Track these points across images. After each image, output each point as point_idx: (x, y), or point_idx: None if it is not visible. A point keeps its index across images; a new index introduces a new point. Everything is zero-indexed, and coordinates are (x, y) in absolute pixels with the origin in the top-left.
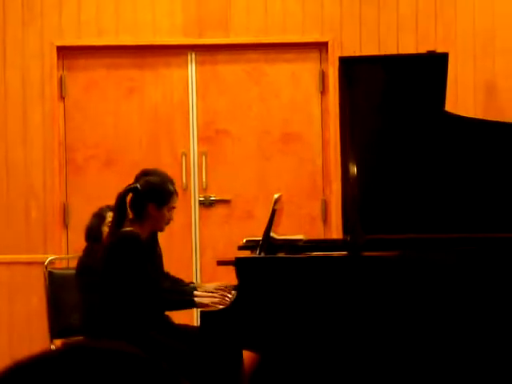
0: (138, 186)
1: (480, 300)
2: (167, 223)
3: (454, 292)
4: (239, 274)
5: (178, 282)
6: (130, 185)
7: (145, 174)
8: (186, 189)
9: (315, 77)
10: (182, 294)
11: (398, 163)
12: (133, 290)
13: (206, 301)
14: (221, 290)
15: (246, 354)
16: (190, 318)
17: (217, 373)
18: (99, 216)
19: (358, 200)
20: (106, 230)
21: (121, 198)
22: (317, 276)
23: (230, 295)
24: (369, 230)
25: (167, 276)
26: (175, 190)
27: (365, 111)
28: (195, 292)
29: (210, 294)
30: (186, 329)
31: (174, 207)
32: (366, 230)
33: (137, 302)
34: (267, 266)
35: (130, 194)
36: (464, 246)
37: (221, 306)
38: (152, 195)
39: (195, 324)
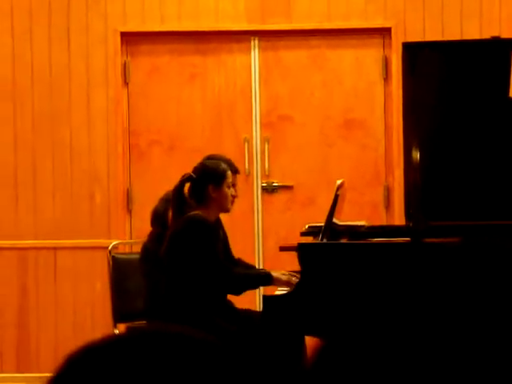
0: (192, 174)
1: None
2: (232, 201)
3: None
4: (302, 260)
5: (247, 267)
6: (184, 175)
7: (203, 160)
8: (248, 175)
9: (378, 63)
10: (258, 271)
11: (461, 150)
12: (202, 273)
13: (284, 277)
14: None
15: (309, 340)
16: (253, 303)
17: (279, 358)
18: (165, 200)
19: (421, 186)
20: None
21: (177, 189)
22: (378, 262)
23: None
24: (431, 217)
25: (238, 262)
26: (230, 167)
27: (428, 97)
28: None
29: (287, 274)
30: (248, 313)
31: (234, 184)
32: (429, 217)
33: (206, 284)
34: (329, 252)
35: (188, 183)
36: None
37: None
38: (208, 177)
39: (257, 309)
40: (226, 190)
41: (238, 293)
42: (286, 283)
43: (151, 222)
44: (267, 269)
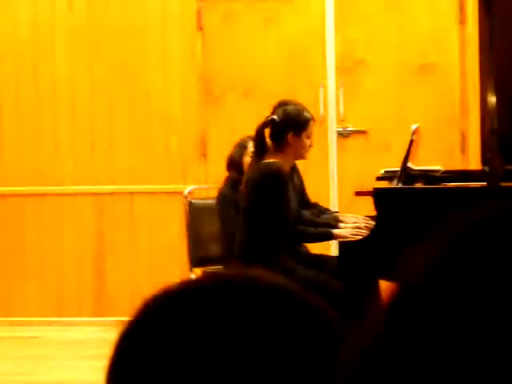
0: (275, 117)
1: None
2: (307, 151)
3: None
4: (378, 205)
5: (323, 211)
6: (267, 117)
7: (280, 104)
8: (322, 120)
9: (454, 6)
10: (321, 226)
11: None
12: (274, 222)
13: (344, 233)
14: (359, 222)
15: (385, 284)
16: (327, 248)
17: (355, 302)
18: (241, 146)
19: (497, 131)
20: (247, 160)
21: (259, 130)
22: (455, 207)
23: (368, 226)
24: (508, 161)
25: (313, 205)
26: (312, 116)
27: (505, 39)
28: (334, 223)
29: (349, 225)
30: (323, 258)
31: (312, 134)
32: (506, 161)
33: (278, 233)
34: (405, 197)
35: (269, 126)
36: None
37: (359, 237)
38: (289, 124)
39: (331, 253)
40: (305, 139)
41: (304, 243)
42: (349, 237)
43: (227, 167)
44: (342, 213)
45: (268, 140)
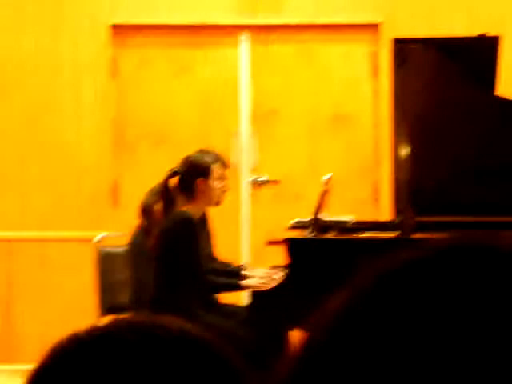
0: (177, 169)
1: None
2: (220, 196)
3: None
4: (289, 255)
5: (226, 265)
6: (170, 170)
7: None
8: (235, 169)
9: (367, 58)
10: (230, 276)
11: (449, 145)
12: (185, 270)
13: (251, 283)
14: (269, 273)
15: (294, 334)
16: (237, 297)
17: (264, 352)
18: (153, 193)
19: (409, 181)
20: (158, 207)
21: (163, 184)
22: (366, 258)
23: (277, 276)
24: (419, 212)
25: (216, 259)
26: (217, 159)
27: (417, 93)
28: (243, 273)
29: (257, 276)
30: (233, 308)
31: (223, 178)
32: (417, 212)
33: (189, 281)
34: (317, 247)
35: (174, 178)
36: None
37: (267, 287)
38: (194, 171)
39: (242, 303)
40: (214, 183)
41: (212, 294)
42: (257, 287)
43: (139, 215)
44: (253, 264)
45: (179, 191)
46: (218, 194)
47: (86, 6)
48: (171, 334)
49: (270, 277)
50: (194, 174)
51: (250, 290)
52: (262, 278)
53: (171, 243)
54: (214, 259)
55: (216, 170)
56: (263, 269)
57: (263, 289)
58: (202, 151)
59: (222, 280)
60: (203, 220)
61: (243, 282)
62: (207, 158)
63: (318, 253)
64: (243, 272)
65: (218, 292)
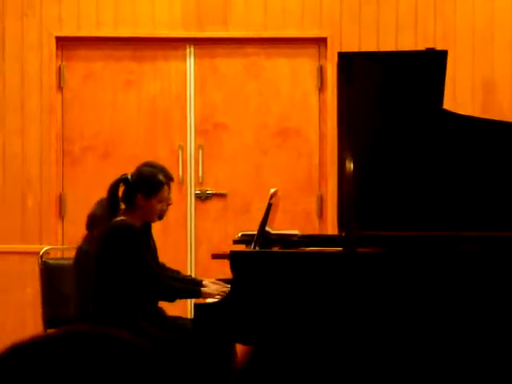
0: (129, 176)
1: (474, 299)
2: (159, 215)
3: (446, 291)
4: (234, 268)
5: (175, 273)
6: (122, 175)
7: (141, 166)
8: (182, 182)
9: (313, 72)
10: (188, 283)
11: (394, 160)
12: (129, 280)
13: (211, 291)
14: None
15: (239, 348)
16: (184, 310)
17: (209, 365)
18: (102, 203)
19: (354, 196)
20: None
21: (112, 188)
22: (311, 271)
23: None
24: (363, 227)
25: (164, 267)
26: (167, 181)
27: (363, 107)
28: (203, 282)
29: (213, 286)
30: (178, 321)
31: (167, 199)
32: (361, 227)
33: (132, 292)
34: (261, 261)
35: (122, 185)
36: (458, 244)
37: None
38: (141, 185)
39: (188, 316)
40: (155, 202)
41: (169, 300)
42: (216, 296)
43: (86, 226)
44: (198, 277)
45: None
46: (156, 213)
47: (32, 17)
48: (110, 342)
49: (227, 288)
50: (139, 188)
51: (208, 297)
52: (218, 289)
53: (111, 252)
54: (162, 268)
55: (163, 191)
56: (219, 285)
57: (219, 299)
58: (150, 165)
59: (181, 285)
60: (146, 231)
61: (204, 289)
62: (161, 178)
63: (261, 266)
64: (203, 283)
65: (175, 298)
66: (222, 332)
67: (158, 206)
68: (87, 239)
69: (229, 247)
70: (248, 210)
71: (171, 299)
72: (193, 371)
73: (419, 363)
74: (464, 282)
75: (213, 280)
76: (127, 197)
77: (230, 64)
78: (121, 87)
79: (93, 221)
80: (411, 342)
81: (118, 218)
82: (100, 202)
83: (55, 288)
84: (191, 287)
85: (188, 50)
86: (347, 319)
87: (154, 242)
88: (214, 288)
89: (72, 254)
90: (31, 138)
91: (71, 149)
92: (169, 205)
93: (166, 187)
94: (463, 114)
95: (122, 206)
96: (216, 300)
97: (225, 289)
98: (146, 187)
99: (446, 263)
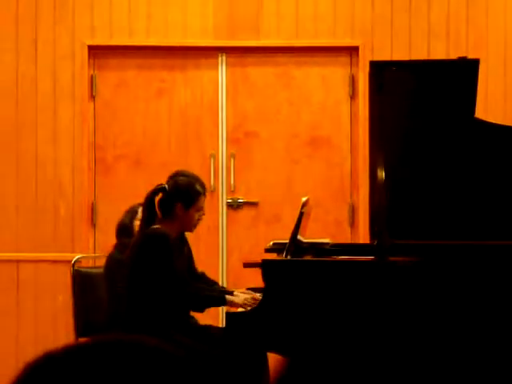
0: (166, 186)
1: (510, 308)
2: (196, 224)
3: (480, 299)
4: (265, 277)
5: (211, 283)
6: (159, 185)
7: (175, 175)
8: (213, 190)
9: (345, 81)
10: (213, 292)
11: (426, 169)
12: (159, 289)
13: (237, 300)
14: (254, 296)
15: (273, 357)
16: (216, 319)
17: (241, 375)
18: (131, 211)
19: (386, 205)
20: (137, 223)
21: (149, 197)
22: (342, 280)
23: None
24: (395, 235)
25: (202, 277)
26: (203, 191)
27: (394, 116)
28: (234, 293)
29: (241, 295)
30: (210, 330)
31: (202, 208)
32: (393, 235)
33: (163, 300)
34: (293, 269)
35: (160, 194)
36: (493, 254)
37: (249, 307)
38: (179, 195)
39: (220, 325)
40: (194, 212)
41: (198, 310)
42: (241, 305)
43: (116, 234)
44: (230, 286)
45: (157, 208)
46: (194, 223)
47: (64, 26)
48: (143, 351)
49: (254, 299)
50: (178, 198)
51: (234, 306)
52: (246, 299)
53: (144, 260)
54: (198, 277)
55: (201, 202)
56: (248, 294)
57: (245, 309)
58: (184, 174)
59: (207, 293)
60: (182, 241)
61: (229, 297)
62: (198, 188)
63: (293, 275)
64: (234, 293)
65: (201, 306)
66: (253, 341)
67: (196, 216)
68: (117, 247)
69: (260, 256)
70: (279, 218)
71: (198, 308)
72: (224, 381)
73: (460, 373)
74: (498, 290)
75: (243, 290)
76: (165, 206)
77: (261, 73)
78: (153, 96)
79: (122, 229)
80: (449, 351)
81: (154, 227)
82: (129, 211)
83: (87, 296)
84: (216, 294)
85: (220, 59)
86: (380, 328)
87: (190, 250)
88: (242, 297)
89: (103, 262)
90: (63, 147)
91: (103, 157)
92: (200, 218)
93: (203, 197)
94: (495, 122)
95: (159, 215)
96: (243, 309)
97: (252, 299)
98: (184, 197)
99: (477, 272)
